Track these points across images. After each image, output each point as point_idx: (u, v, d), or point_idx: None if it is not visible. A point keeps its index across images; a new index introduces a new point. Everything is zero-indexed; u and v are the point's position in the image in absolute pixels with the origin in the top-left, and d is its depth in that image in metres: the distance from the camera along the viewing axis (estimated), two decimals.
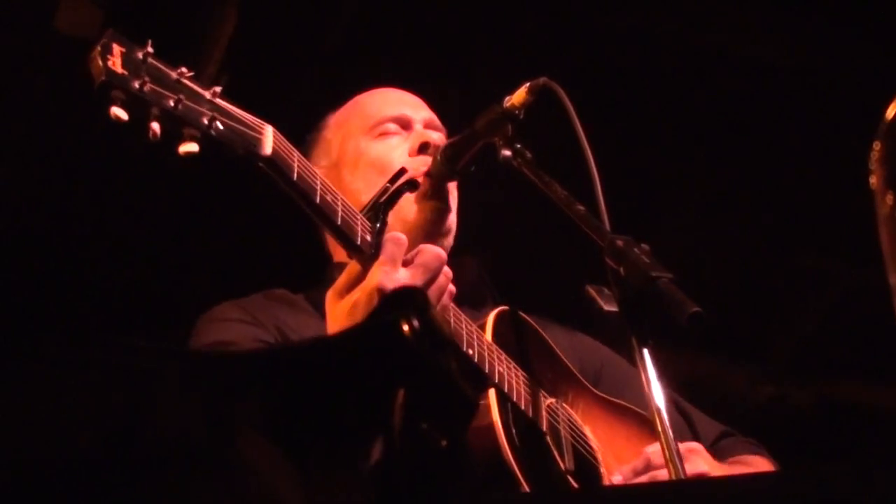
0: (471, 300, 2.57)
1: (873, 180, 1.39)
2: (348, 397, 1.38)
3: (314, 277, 2.74)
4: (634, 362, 2.10)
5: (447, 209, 2.64)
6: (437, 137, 2.71)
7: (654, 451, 2.38)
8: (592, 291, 2.22)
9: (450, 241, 2.68)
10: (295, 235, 2.88)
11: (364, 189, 2.61)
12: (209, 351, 2.36)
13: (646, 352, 2.07)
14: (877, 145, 1.39)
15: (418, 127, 2.74)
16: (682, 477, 2.03)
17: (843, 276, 5.16)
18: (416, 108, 2.80)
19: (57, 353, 1.34)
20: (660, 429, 2.04)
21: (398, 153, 2.68)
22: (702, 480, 2.26)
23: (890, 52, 4.27)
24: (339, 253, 2.73)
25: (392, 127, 2.74)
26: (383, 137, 2.72)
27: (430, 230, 2.61)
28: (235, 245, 4.63)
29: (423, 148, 2.66)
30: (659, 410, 2.05)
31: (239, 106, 2.11)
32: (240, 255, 4.62)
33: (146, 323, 4.52)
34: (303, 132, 2.72)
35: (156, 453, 1.37)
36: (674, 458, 2.03)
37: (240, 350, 2.37)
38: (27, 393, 1.35)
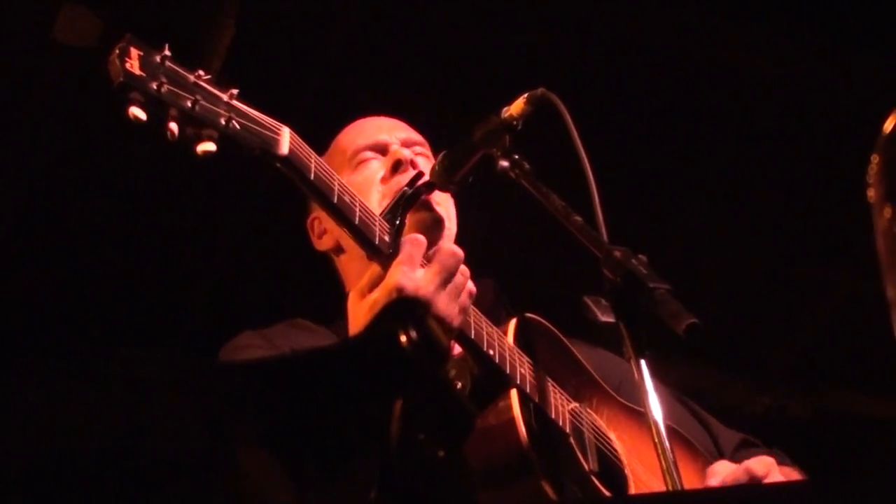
0: (488, 319, 2.57)
1: (871, 193, 1.39)
2: (346, 408, 1.38)
3: (331, 312, 2.74)
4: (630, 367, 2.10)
5: (440, 220, 2.63)
6: (409, 153, 2.70)
7: (754, 462, 2.41)
8: (590, 302, 2.21)
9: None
10: (311, 270, 2.88)
11: None
12: (209, 360, 2.36)
13: (643, 363, 2.07)
14: (875, 158, 1.39)
15: (394, 147, 2.73)
16: (679, 487, 2.02)
17: (841, 288, 5.16)
18: (391, 130, 2.79)
19: (56, 362, 1.34)
20: (656, 440, 2.04)
21: (378, 178, 2.68)
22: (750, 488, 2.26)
23: (889, 65, 4.29)
24: (353, 283, 2.72)
25: (369, 154, 2.73)
26: (363, 165, 2.72)
27: (434, 238, 2.61)
28: (242, 259, 4.64)
29: (395, 167, 2.66)
30: (655, 422, 2.05)
31: (258, 108, 2.13)
32: (245, 270, 4.63)
33: (147, 332, 4.52)
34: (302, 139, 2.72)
35: (154, 463, 1.37)
36: (670, 469, 2.02)
37: (239, 360, 2.37)
38: (27, 401, 1.35)
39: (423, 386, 1.38)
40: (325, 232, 2.74)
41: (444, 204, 2.66)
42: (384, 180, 2.66)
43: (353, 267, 2.65)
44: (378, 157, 2.72)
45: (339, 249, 2.72)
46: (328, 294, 2.77)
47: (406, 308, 1.39)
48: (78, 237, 4.47)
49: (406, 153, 2.69)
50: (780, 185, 4.85)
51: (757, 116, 4.64)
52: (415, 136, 2.80)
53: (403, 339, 1.33)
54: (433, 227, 2.61)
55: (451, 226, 2.68)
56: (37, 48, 3.95)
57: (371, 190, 2.65)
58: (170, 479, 1.37)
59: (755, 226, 5.01)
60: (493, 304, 2.72)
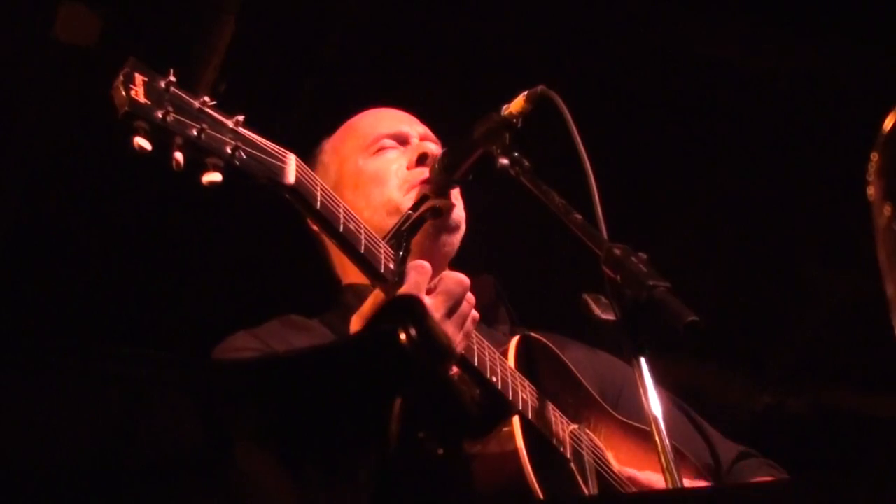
0: (486, 318, 2.57)
1: (871, 191, 1.39)
2: (346, 406, 1.38)
3: (325, 301, 2.73)
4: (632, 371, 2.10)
5: (450, 205, 2.63)
6: (435, 149, 2.71)
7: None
8: (589, 300, 2.21)
9: (458, 237, 2.69)
10: (304, 259, 2.88)
11: (365, 206, 2.60)
12: (207, 360, 2.36)
13: (643, 360, 2.07)
14: (874, 156, 1.40)
15: (415, 140, 2.74)
16: (679, 486, 2.03)
17: (841, 286, 5.16)
18: (411, 124, 2.81)
19: (57, 361, 1.34)
20: (657, 438, 2.04)
21: (396, 167, 2.68)
22: (725, 488, 2.27)
23: (888, 63, 4.28)
24: (348, 275, 2.72)
25: (389, 142, 2.74)
26: (381, 153, 2.72)
27: (437, 226, 2.61)
28: (241, 262, 4.63)
29: (422, 159, 2.66)
30: (656, 419, 2.05)
31: (261, 134, 2.11)
32: (245, 273, 4.62)
33: (149, 333, 4.52)
34: (301, 137, 2.73)
35: (153, 461, 1.37)
36: (670, 467, 2.03)
37: (238, 359, 2.37)
38: (28, 400, 1.35)
39: (423, 384, 1.38)
40: None
41: (455, 192, 2.66)
42: (408, 169, 2.66)
43: None
44: (398, 146, 2.73)
45: None
46: (324, 289, 2.77)
47: (405, 307, 1.39)
48: (77, 236, 4.46)
49: (432, 148, 2.70)
50: (779, 183, 4.84)
51: (757, 114, 4.64)
52: (431, 134, 2.81)
53: (403, 337, 1.33)
54: (443, 213, 2.61)
55: (460, 213, 2.68)
56: (36, 47, 3.95)
57: (390, 177, 2.66)
58: (169, 478, 1.37)
59: (755, 223, 5.01)
60: (493, 302, 2.72)
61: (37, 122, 4.14)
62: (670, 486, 2.02)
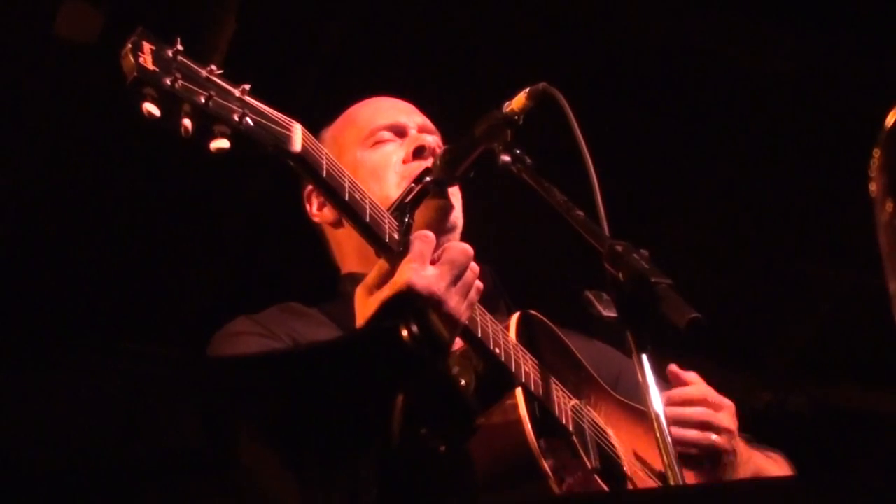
0: (486, 307, 2.58)
1: (873, 188, 1.39)
2: (348, 402, 1.38)
3: (324, 293, 2.74)
4: (629, 360, 2.11)
5: (449, 206, 2.64)
6: (432, 140, 2.72)
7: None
8: (591, 297, 2.21)
9: (456, 237, 2.69)
10: (303, 251, 2.88)
11: None
12: (209, 356, 2.36)
13: (644, 357, 2.07)
14: (876, 153, 1.39)
15: (413, 132, 2.74)
16: (681, 483, 2.03)
17: (842, 283, 5.16)
18: (409, 114, 2.80)
19: (58, 358, 1.34)
20: (658, 435, 2.05)
21: (394, 160, 2.69)
22: (732, 484, 2.27)
23: (890, 60, 4.29)
24: (347, 264, 2.73)
25: (387, 135, 2.74)
26: (379, 146, 2.73)
27: (434, 227, 2.61)
28: (242, 256, 4.64)
29: (419, 152, 2.67)
30: (658, 416, 2.05)
31: (267, 103, 2.13)
32: (246, 267, 4.63)
33: (149, 329, 4.53)
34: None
35: (155, 458, 1.37)
36: (672, 465, 2.03)
37: (239, 355, 2.37)
38: (28, 397, 1.35)
39: (425, 380, 1.38)
40: (326, 203, 2.74)
41: (454, 191, 2.66)
42: (405, 163, 2.67)
43: (353, 244, 2.66)
44: (395, 139, 2.73)
45: (339, 223, 2.72)
46: (324, 284, 2.77)
47: (408, 302, 1.39)
48: (78, 233, 4.47)
49: (430, 140, 2.70)
50: (781, 180, 4.85)
51: (758, 111, 4.64)
52: (430, 124, 2.81)
53: (405, 333, 1.33)
54: (441, 214, 2.62)
55: (458, 214, 2.69)
56: (38, 43, 3.95)
57: (388, 171, 2.67)
58: (171, 475, 1.37)
59: (757, 220, 5.02)
60: (491, 293, 2.72)
61: (37, 118, 4.15)
62: (672, 483, 2.02)
